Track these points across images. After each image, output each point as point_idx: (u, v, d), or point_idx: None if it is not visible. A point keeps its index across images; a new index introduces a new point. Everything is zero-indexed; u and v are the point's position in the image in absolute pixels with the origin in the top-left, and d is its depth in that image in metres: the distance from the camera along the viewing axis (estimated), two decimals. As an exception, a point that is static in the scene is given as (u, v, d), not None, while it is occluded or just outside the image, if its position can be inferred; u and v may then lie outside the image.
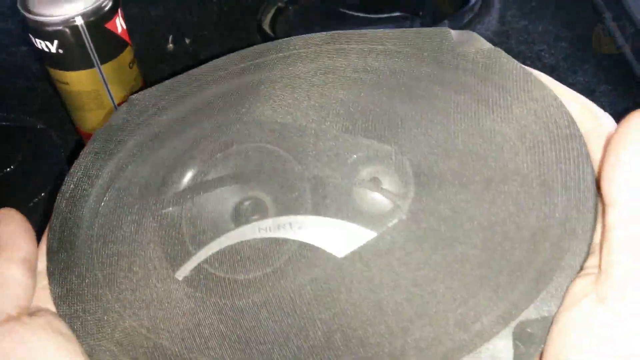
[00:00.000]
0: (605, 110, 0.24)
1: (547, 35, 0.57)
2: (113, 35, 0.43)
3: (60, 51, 0.42)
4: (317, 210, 0.24)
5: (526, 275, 0.21)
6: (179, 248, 0.25)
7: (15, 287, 0.23)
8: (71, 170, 0.28)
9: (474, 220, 0.22)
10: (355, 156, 0.25)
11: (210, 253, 0.25)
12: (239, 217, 0.26)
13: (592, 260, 0.20)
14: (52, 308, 0.25)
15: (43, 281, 0.26)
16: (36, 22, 0.41)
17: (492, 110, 0.23)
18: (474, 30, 0.57)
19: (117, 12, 0.43)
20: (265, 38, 0.59)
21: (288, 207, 0.25)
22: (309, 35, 0.28)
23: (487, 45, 0.25)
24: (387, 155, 0.24)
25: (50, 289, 0.25)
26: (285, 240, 0.24)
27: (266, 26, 0.60)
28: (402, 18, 0.62)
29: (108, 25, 0.42)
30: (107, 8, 0.42)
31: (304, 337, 0.23)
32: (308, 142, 0.26)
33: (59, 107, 0.52)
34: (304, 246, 0.24)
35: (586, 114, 0.22)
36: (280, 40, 0.28)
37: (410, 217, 0.23)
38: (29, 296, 0.24)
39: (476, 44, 0.25)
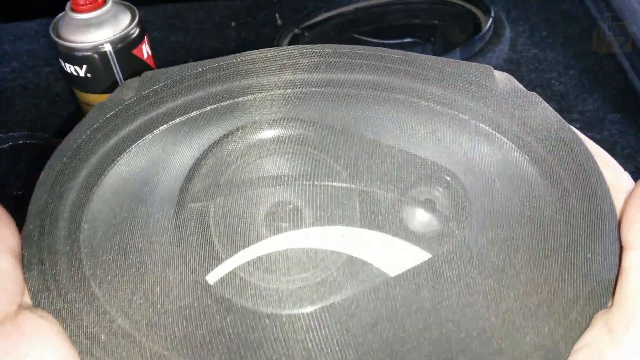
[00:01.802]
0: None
1: (557, 64, 0.58)
2: (139, 61, 0.45)
3: (89, 75, 0.44)
4: (365, 225, 0.23)
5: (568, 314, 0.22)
6: (207, 249, 0.23)
7: (7, 280, 0.21)
8: (62, 143, 0.25)
9: (522, 254, 0.23)
10: (409, 173, 0.24)
11: (248, 257, 0.23)
12: (273, 222, 0.24)
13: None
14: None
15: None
16: (67, 47, 0.43)
17: (532, 160, 0.24)
18: (484, 58, 0.59)
19: (143, 39, 0.45)
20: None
21: (332, 219, 0.24)
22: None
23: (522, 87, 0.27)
24: (443, 177, 0.24)
25: (27, 280, 0.22)
26: (333, 253, 0.23)
27: (283, 52, 0.62)
28: (414, 44, 0.64)
29: (135, 52, 0.44)
30: (134, 36, 0.44)
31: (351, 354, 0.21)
32: (359, 153, 0.25)
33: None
34: (352, 260, 0.23)
35: (608, 171, 0.24)
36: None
37: (463, 243, 0.23)
38: (22, 290, 0.21)
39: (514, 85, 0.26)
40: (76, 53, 0.43)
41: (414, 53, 0.27)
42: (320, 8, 0.66)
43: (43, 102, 0.59)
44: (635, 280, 0.20)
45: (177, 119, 0.25)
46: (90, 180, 0.24)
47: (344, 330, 0.22)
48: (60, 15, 0.44)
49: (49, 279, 0.22)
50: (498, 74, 0.27)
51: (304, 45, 0.28)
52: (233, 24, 0.67)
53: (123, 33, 0.43)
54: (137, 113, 0.25)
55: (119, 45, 0.43)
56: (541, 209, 0.23)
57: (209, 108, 0.25)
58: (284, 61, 0.27)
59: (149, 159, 0.25)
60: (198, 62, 0.27)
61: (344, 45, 0.28)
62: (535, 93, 0.26)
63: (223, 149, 0.25)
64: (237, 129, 0.25)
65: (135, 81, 0.26)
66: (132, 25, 0.44)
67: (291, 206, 0.24)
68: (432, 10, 0.66)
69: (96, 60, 0.43)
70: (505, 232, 0.23)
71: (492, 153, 0.25)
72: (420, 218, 0.24)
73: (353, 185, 0.24)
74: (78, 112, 0.53)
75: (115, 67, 0.44)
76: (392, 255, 0.23)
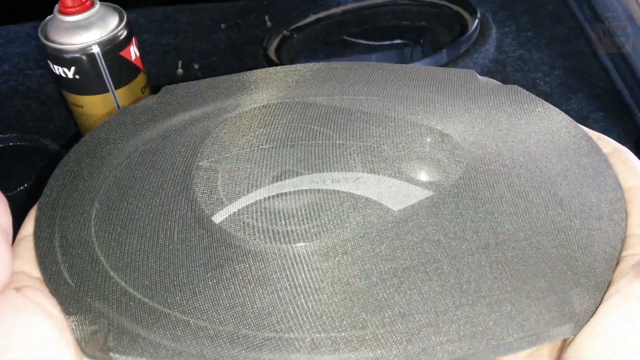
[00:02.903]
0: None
1: (542, 64, 0.59)
2: (127, 62, 0.45)
3: (77, 77, 0.44)
4: (368, 170, 0.25)
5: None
6: (214, 197, 0.24)
7: None
8: (93, 130, 0.28)
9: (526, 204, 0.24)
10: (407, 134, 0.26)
11: (255, 199, 0.24)
12: (277, 176, 0.25)
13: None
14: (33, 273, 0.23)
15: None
16: (55, 49, 0.43)
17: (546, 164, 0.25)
18: (471, 58, 0.60)
19: (131, 41, 0.45)
20: (271, 65, 0.61)
21: (335, 169, 0.25)
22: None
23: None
24: (443, 134, 0.26)
25: (36, 248, 0.23)
26: (339, 193, 0.24)
27: (272, 53, 0.62)
28: (403, 46, 0.64)
29: (122, 53, 0.45)
30: (122, 37, 0.44)
31: (361, 282, 0.21)
32: (359, 124, 0.27)
33: (72, 129, 0.54)
34: (358, 199, 0.24)
35: (628, 171, 0.24)
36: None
37: (464, 184, 0.24)
38: (8, 269, 0.21)
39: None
40: (64, 55, 0.43)
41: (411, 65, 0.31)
42: (310, 10, 0.67)
43: (34, 104, 0.59)
44: None
45: (196, 123, 0.29)
46: (114, 164, 0.26)
47: (351, 261, 0.22)
48: (48, 17, 0.45)
49: (55, 243, 0.23)
50: (481, 78, 0.29)
51: (301, 65, 0.31)
52: (223, 26, 0.67)
53: (111, 35, 0.44)
54: (158, 115, 0.29)
55: (107, 47, 0.43)
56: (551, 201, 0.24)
57: (227, 113, 0.29)
58: (297, 76, 0.31)
59: (164, 139, 0.27)
60: (212, 78, 0.31)
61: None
62: (515, 85, 0.28)
63: (231, 125, 0.28)
64: (245, 111, 0.28)
65: (160, 94, 0.30)
66: (120, 27, 0.44)
67: (297, 173, 0.25)
68: (420, 12, 0.67)
69: (84, 62, 0.43)
70: (512, 207, 0.24)
71: (509, 142, 0.26)
72: (420, 166, 0.25)
73: (352, 143, 0.26)
74: (69, 114, 0.53)
75: (104, 68, 0.44)
76: (395, 193, 0.24)
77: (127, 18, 0.45)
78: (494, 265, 0.22)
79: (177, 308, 0.21)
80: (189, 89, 0.30)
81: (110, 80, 0.45)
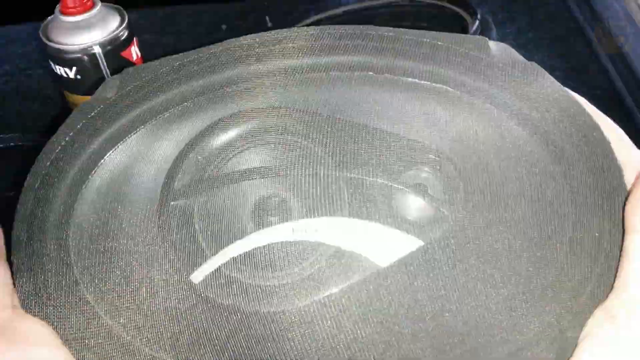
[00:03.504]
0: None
1: (543, 64, 0.59)
2: (128, 62, 0.46)
3: (78, 77, 0.44)
4: (355, 215, 0.22)
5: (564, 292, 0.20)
6: (191, 247, 0.23)
7: None
8: (46, 145, 0.25)
9: (523, 235, 0.21)
10: (398, 157, 0.23)
11: (233, 255, 0.22)
12: (260, 217, 0.23)
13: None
14: None
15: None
16: (56, 49, 0.43)
17: (533, 133, 0.23)
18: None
19: (132, 41, 0.45)
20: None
21: (320, 210, 0.23)
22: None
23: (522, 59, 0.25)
24: (435, 159, 0.23)
25: (17, 286, 0.21)
26: (321, 245, 0.22)
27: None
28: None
29: (124, 54, 0.45)
30: (123, 38, 0.44)
31: (344, 350, 0.20)
32: (346, 138, 0.24)
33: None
34: (342, 252, 0.22)
35: (621, 147, 0.23)
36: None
37: (458, 227, 0.22)
38: (12, 293, 0.21)
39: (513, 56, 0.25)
40: (66, 55, 0.43)
41: (404, 29, 0.26)
42: (310, 11, 0.67)
43: (35, 104, 0.59)
44: (637, 266, 0.19)
45: (159, 116, 0.25)
46: (75, 183, 0.24)
47: (336, 326, 0.20)
48: (50, 18, 0.45)
49: (38, 284, 0.21)
50: (494, 45, 0.25)
51: (284, 30, 0.27)
52: (223, 27, 0.68)
53: (112, 35, 0.44)
54: (119, 112, 0.25)
55: (108, 47, 0.44)
56: (543, 185, 0.22)
57: (189, 103, 0.25)
58: (265, 48, 0.26)
59: (132, 158, 0.25)
60: (179, 54, 0.27)
61: (329, 26, 0.27)
62: (534, 62, 0.24)
63: (204, 143, 0.25)
64: (218, 122, 0.25)
65: (116, 79, 0.26)
66: (121, 28, 0.44)
67: (277, 199, 0.23)
68: (420, 13, 0.67)
69: (85, 62, 0.43)
70: (503, 212, 0.22)
71: (488, 130, 0.24)
72: (411, 203, 0.23)
73: (340, 173, 0.23)
74: (68, 114, 0.53)
75: (105, 68, 0.44)
76: (383, 245, 0.22)
77: (128, 18, 0.45)
78: None
79: None
80: (154, 72, 0.26)
81: (111, 80, 0.45)
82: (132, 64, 0.46)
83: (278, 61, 0.26)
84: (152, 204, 0.24)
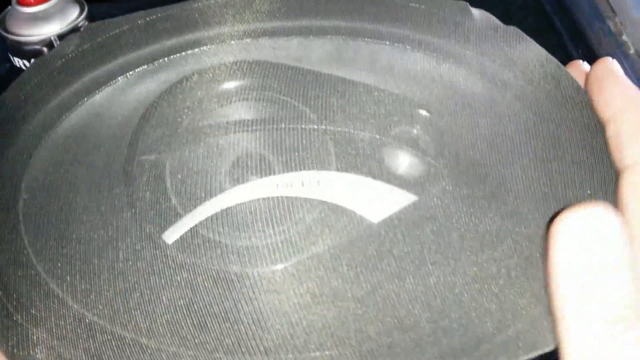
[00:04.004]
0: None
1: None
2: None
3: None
4: (343, 170, 0.21)
5: None
6: (163, 206, 0.21)
7: None
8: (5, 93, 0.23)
9: (518, 192, 0.21)
10: (387, 111, 0.22)
11: (211, 212, 0.20)
12: (238, 175, 0.21)
13: None
14: None
15: None
16: (15, 41, 0.43)
17: (520, 95, 0.23)
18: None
19: (92, 32, 0.46)
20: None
21: (304, 165, 0.21)
22: None
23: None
24: (425, 115, 0.23)
25: None
26: (308, 201, 0.20)
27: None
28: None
29: (83, 45, 0.46)
30: (82, 29, 0.43)
31: (336, 313, 0.19)
32: (329, 92, 0.23)
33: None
34: (331, 208, 0.20)
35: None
36: None
37: (453, 183, 0.21)
38: None
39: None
40: (24, 47, 0.43)
41: None
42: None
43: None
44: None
45: (125, 73, 0.24)
46: (29, 143, 0.22)
47: (324, 286, 0.19)
48: (7, 9, 0.44)
49: None
50: (476, 11, 0.25)
51: None
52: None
53: (71, 26, 0.43)
54: (80, 68, 0.24)
55: (68, 39, 0.47)
56: (532, 145, 0.21)
57: (159, 61, 0.24)
58: (239, 8, 0.25)
59: (95, 115, 0.23)
60: (147, 10, 0.25)
61: None
62: (515, 27, 0.24)
63: (176, 97, 0.23)
64: (191, 75, 0.24)
65: (77, 35, 0.25)
66: (80, 18, 0.44)
67: (258, 155, 0.22)
68: None
69: (44, 54, 0.42)
70: (493, 172, 0.21)
71: (473, 91, 0.23)
72: (404, 158, 0.22)
73: (325, 127, 0.22)
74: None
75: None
76: (376, 200, 0.21)
77: (87, 10, 0.45)
78: None
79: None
80: (119, 28, 0.25)
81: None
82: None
83: (251, 25, 0.25)
84: (118, 160, 0.22)
